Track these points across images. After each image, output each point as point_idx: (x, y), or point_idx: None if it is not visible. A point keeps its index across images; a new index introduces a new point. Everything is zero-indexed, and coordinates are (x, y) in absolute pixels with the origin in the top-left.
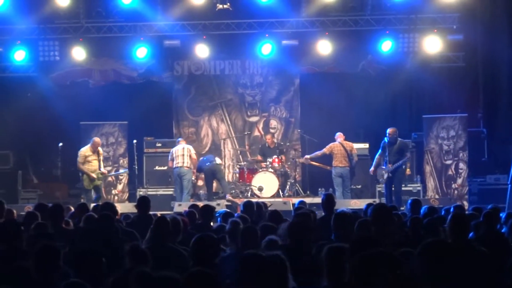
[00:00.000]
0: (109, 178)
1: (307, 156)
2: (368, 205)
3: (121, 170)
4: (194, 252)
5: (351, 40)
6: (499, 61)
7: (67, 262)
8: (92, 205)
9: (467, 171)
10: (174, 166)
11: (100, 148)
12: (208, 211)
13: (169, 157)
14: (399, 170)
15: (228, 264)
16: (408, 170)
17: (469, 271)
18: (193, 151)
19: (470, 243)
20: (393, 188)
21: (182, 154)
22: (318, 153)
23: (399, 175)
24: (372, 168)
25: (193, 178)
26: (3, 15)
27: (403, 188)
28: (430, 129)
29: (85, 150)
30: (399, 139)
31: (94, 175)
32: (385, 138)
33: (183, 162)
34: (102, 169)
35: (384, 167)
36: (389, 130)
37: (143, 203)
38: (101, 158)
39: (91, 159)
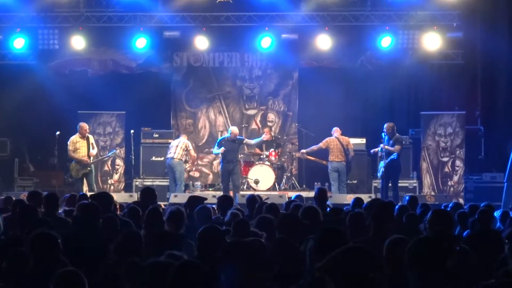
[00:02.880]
0: (105, 167)
1: (303, 151)
2: (356, 199)
3: (109, 153)
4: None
5: (351, 36)
6: (498, 60)
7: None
8: (89, 194)
9: (464, 169)
10: (167, 156)
11: (90, 136)
12: (196, 202)
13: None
14: (393, 164)
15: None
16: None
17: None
18: (190, 146)
19: (450, 239)
20: (390, 184)
21: (176, 145)
22: (314, 147)
23: (395, 170)
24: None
25: (187, 168)
26: (3, 2)
27: (399, 184)
28: (428, 126)
29: (74, 138)
30: (397, 134)
31: (86, 159)
32: (383, 134)
33: (175, 153)
34: (91, 151)
35: (382, 161)
36: (386, 125)
37: (146, 194)
38: (92, 143)
39: (80, 145)
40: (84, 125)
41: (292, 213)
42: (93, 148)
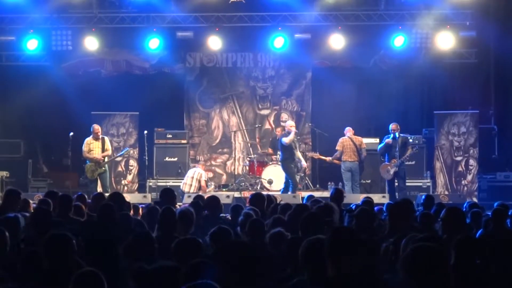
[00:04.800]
0: (119, 168)
1: (330, 159)
2: (366, 198)
3: (122, 151)
4: None
5: (364, 35)
6: None
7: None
8: (106, 194)
9: (477, 168)
10: (182, 185)
11: (105, 138)
12: (214, 202)
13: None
14: (403, 165)
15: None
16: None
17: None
18: (203, 177)
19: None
20: (396, 184)
21: (192, 176)
22: (337, 154)
23: (402, 171)
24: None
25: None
26: (16, 3)
27: (413, 184)
28: (441, 125)
29: (88, 139)
30: (401, 134)
31: (100, 158)
32: (391, 134)
33: (191, 186)
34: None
35: (387, 162)
36: (392, 126)
37: (166, 195)
38: (106, 144)
39: (93, 147)
40: (96, 127)
41: (316, 212)
42: (106, 150)
